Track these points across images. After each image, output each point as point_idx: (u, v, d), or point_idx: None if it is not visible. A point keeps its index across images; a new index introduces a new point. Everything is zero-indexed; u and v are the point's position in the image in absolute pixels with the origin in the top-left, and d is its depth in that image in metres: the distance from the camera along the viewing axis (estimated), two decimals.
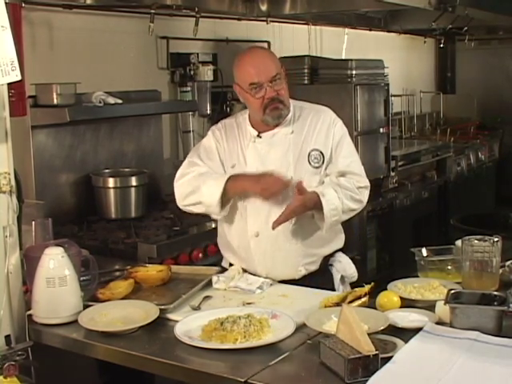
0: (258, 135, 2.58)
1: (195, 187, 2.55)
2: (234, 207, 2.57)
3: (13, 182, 2.13)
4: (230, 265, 2.67)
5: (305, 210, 2.46)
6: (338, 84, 4.62)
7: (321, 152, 2.55)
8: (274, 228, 2.44)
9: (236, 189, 2.49)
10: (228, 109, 4.64)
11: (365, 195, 2.59)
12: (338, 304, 2.14)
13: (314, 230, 2.55)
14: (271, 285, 2.50)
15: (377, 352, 1.73)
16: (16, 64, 1.98)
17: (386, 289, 2.27)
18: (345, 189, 2.52)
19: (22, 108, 2.54)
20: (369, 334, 1.80)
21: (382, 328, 1.94)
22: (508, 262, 2.41)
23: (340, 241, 2.70)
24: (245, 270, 2.58)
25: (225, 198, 2.50)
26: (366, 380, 1.68)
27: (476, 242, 2.29)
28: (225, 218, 2.61)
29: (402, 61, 7.02)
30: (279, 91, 2.48)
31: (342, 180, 2.54)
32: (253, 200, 2.52)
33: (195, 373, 1.87)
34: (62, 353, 2.21)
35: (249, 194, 2.52)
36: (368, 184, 2.61)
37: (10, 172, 2.11)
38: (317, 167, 2.55)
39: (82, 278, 2.36)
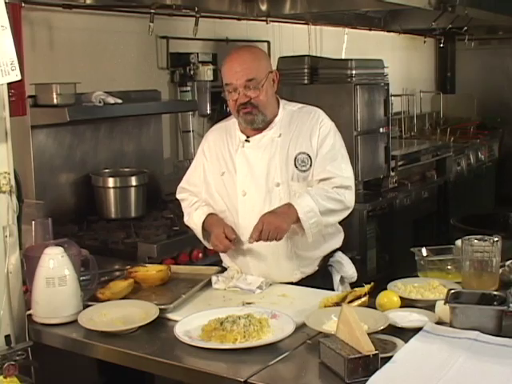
0: (247, 139, 2.53)
1: (187, 221, 2.65)
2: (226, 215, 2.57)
3: (13, 182, 2.13)
4: None
5: (276, 221, 2.35)
6: (338, 84, 4.61)
7: (308, 155, 2.47)
8: (250, 243, 2.41)
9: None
10: (228, 109, 4.62)
11: (345, 196, 2.47)
12: (337, 304, 2.14)
13: None
14: (271, 285, 2.50)
15: (377, 352, 1.73)
16: (16, 64, 1.98)
17: (385, 288, 2.27)
18: (318, 189, 2.44)
19: (22, 108, 2.54)
20: (368, 334, 1.80)
21: (381, 328, 1.94)
22: (508, 262, 2.41)
23: (337, 241, 2.65)
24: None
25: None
26: (366, 380, 1.68)
27: (476, 241, 2.29)
28: None
29: (401, 61, 7.02)
30: (255, 97, 2.42)
31: (319, 184, 2.47)
32: (242, 208, 2.51)
33: (195, 373, 1.87)
34: (61, 353, 2.21)
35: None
36: (349, 184, 2.49)
37: (9, 172, 2.11)
38: (304, 171, 2.47)
39: (81, 278, 2.35)
